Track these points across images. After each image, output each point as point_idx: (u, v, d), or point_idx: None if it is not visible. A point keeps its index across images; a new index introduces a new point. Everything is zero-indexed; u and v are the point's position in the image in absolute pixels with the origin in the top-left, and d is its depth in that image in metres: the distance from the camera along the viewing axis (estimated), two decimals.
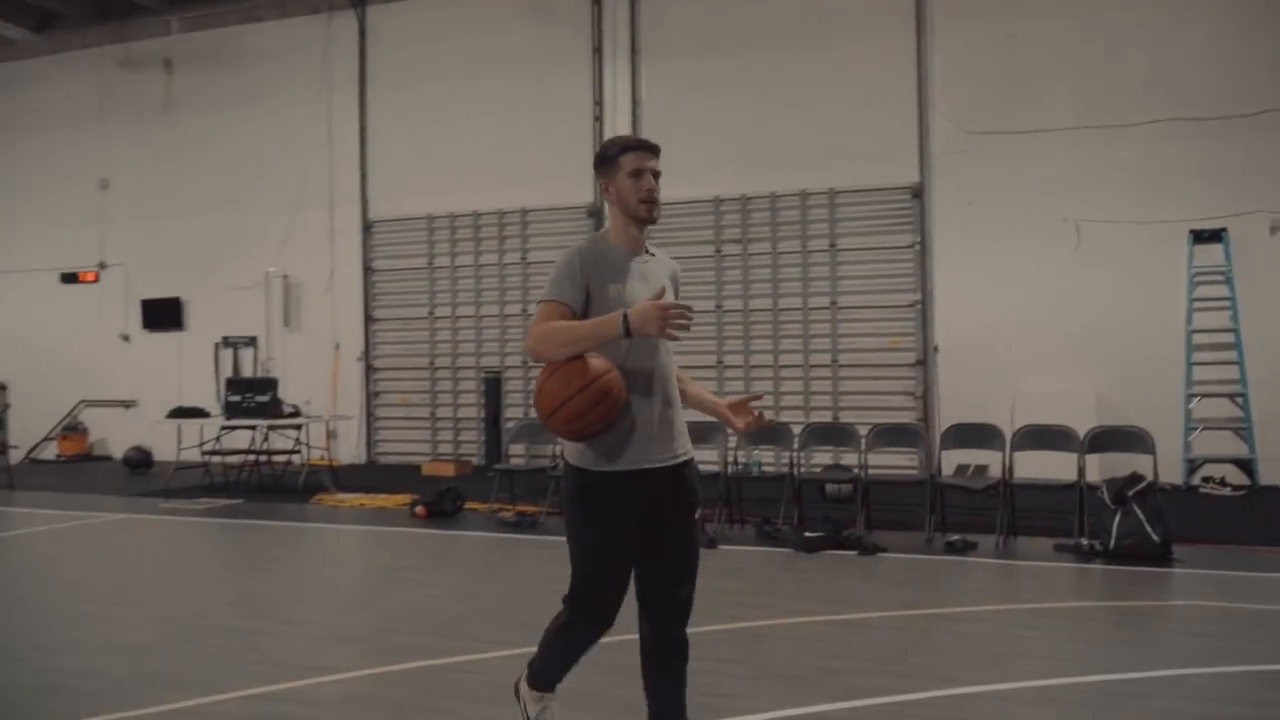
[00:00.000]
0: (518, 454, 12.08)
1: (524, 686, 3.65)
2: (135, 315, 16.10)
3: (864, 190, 12.33)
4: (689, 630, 3.46)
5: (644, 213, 3.34)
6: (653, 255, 3.45)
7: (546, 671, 3.59)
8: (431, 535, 8.84)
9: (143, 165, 16.09)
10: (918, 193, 12.11)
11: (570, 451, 3.35)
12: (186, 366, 15.68)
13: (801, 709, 4.24)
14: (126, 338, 16.24)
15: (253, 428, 11.97)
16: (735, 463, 9.21)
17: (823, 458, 11.35)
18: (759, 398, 3.51)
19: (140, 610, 6.09)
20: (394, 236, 14.72)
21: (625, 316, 3.13)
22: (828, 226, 12.51)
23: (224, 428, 12.12)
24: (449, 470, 13.10)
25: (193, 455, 12.50)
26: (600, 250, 3.33)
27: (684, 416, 3.43)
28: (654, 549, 3.35)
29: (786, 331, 12.67)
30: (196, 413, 12.43)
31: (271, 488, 11.83)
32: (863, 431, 9.06)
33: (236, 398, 11.63)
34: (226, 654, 5.14)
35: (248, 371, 15.17)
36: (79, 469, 15.03)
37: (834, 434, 9.54)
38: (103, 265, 16.40)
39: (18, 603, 6.37)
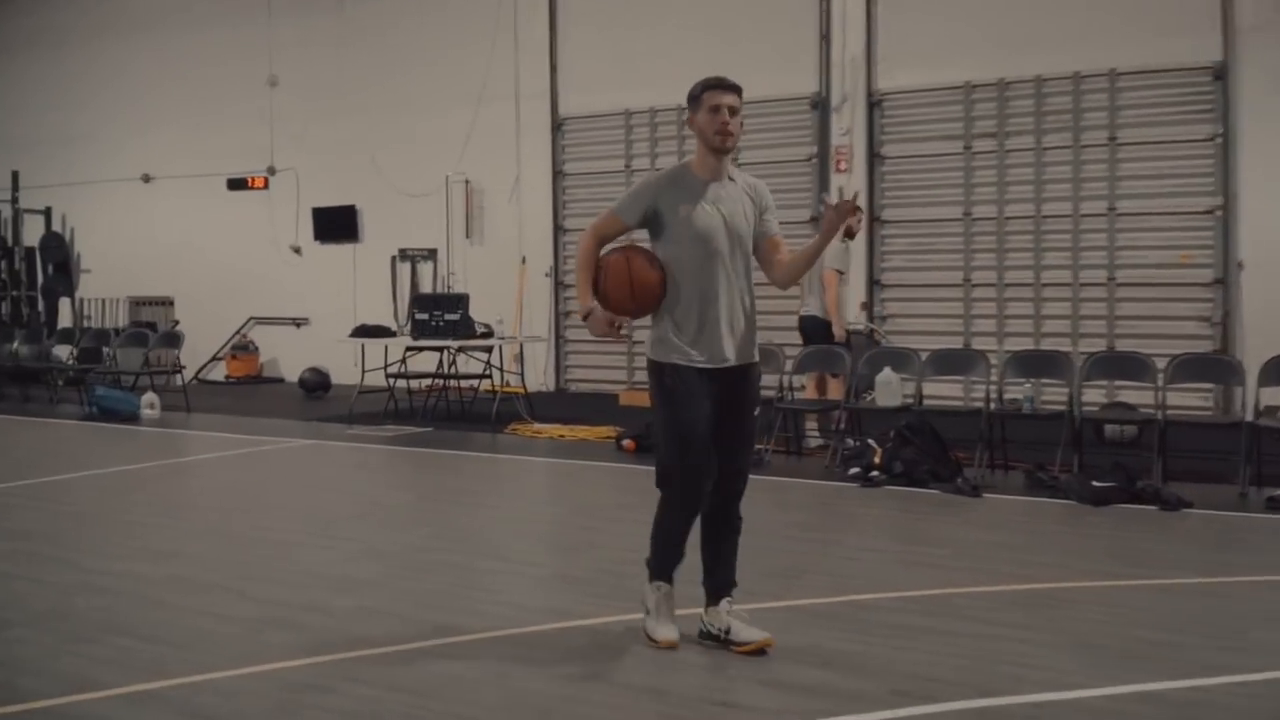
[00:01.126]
0: None
1: (645, 588, 4.59)
2: (306, 225, 16.82)
3: (1153, 71, 11.60)
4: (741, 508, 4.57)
5: (719, 143, 4.39)
6: (732, 180, 4.49)
7: (658, 562, 4.56)
8: (644, 472, 8.73)
9: (313, 61, 16.65)
10: (1220, 74, 11.30)
11: (649, 348, 4.53)
12: (361, 281, 16.30)
13: (1134, 686, 4.06)
14: (297, 250, 17.00)
15: (442, 349, 12.34)
16: (1000, 399, 8.92)
17: (1094, 394, 10.89)
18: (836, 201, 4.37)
19: (348, 542, 6.38)
20: (587, 135, 14.79)
21: (588, 311, 4.43)
22: (1106, 116, 11.85)
23: (410, 348, 12.55)
24: (649, 400, 13.18)
25: (373, 378, 13.00)
26: (679, 176, 4.47)
27: (754, 327, 4.52)
28: (721, 436, 4.41)
29: (1051, 243, 12.15)
30: (381, 332, 12.90)
31: (460, 415, 12.22)
32: (1154, 364, 8.63)
33: (424, 315, 11.99)
34: (453, 593, 5.32)
35: (426, 287, 15.66)
36: (251, 391, 15.92)
37: (1123, 365, 9.11)
38: (272, 170, 17.15)
39: (219, 531, 6.77)
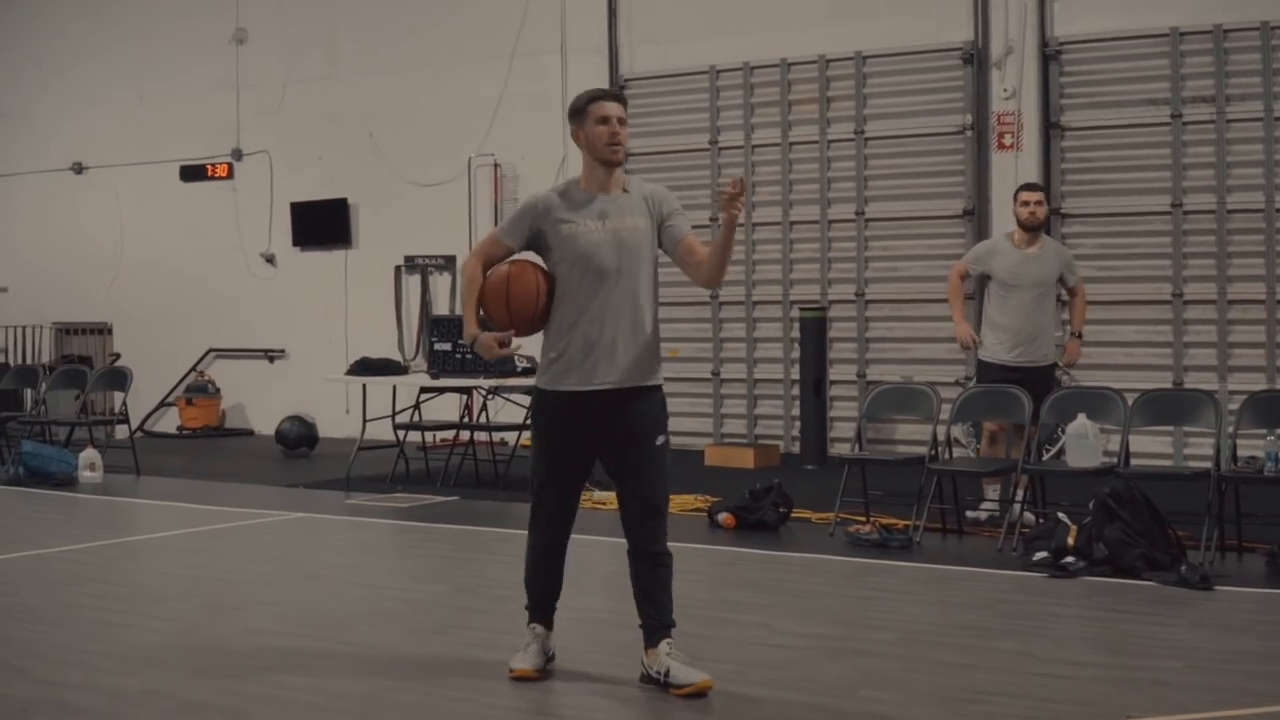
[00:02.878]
0: (845, 435, 12.13)
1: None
2: (283, 226, 17.14)
3: None
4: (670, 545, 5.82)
5: (611, 155, 5.67)
6: (625, 192, 5.74)
7: (529, 597, 5.97)
8: (753, 557, 8.99)
9: (292, 7, 17.01)
10: None
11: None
12: (355, 301, 16.56)
13: None
14: (270, 259, 17.30)
15: (469, 391, 12.48)
16: (1234, 459, 8.91)
17: None
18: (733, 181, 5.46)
19: (369, 650, 6.47)
20: (659, 101, 14.98)
21: (473, 340, 5.75)
22: None
23: (426, 390, 12.71)
24: (746, 459, 13.29)
25: (377, 430, 13.12)
26: (565, 192, 5.75)
27: (649, 348, 5.71)
28: (617, 467, 5.73)
29: None
30: (388, 368, 13.07)
31: (494, 480, 12.34)
32: None
33: (445, 345, 12.15)
34: (527, 716, 5.41)
35: (442, 307, 15.85)
36: (212, 447, 16.24)
37: None
38: (237, 155, 17.50)
39: (198, 632, 6.89)
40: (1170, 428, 11.11)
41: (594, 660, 6.38)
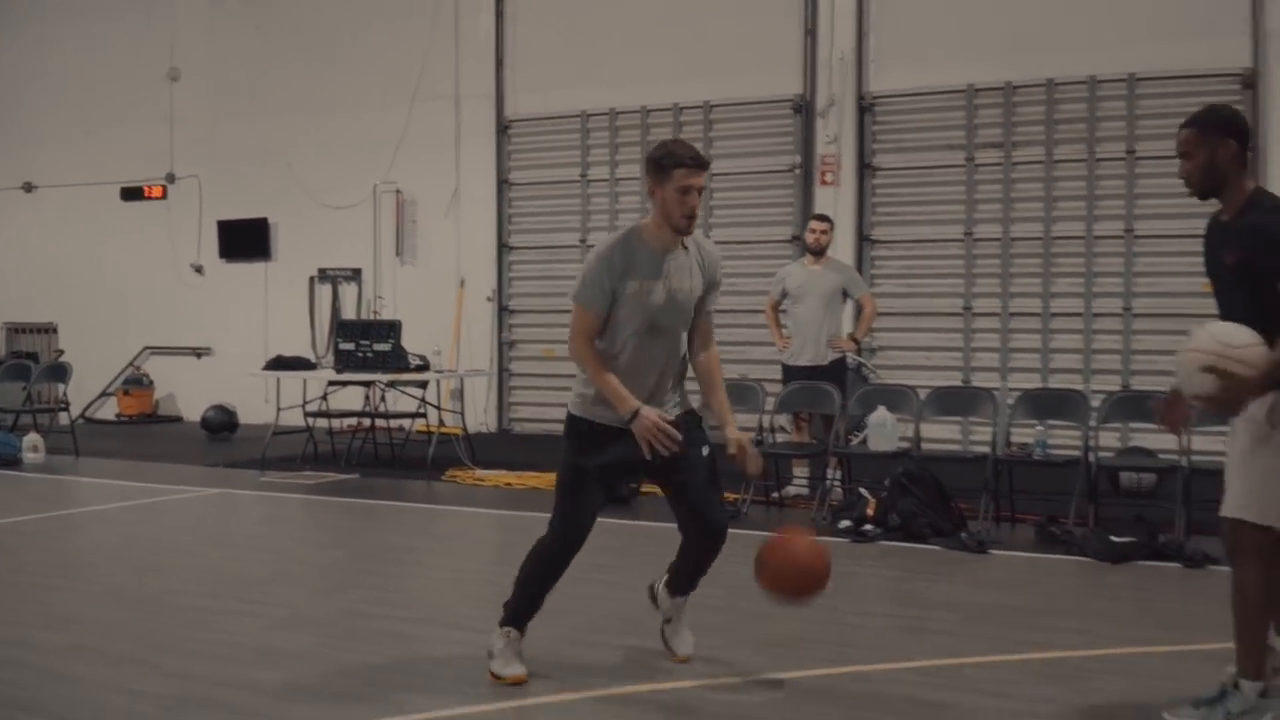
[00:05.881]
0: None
1: (494, 632, 5.23)
2: (211, 241, 16.86)
3: (1175, 77, 11.90)
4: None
5: (684, 225, 4.94)
6: (685, 249, 5.05)
7: (517, 607, 5.21)
8: (610, 526, 8.96)
9: (221, 51, 16.73)
10: (1249, 81, 11.64)
11: (571, 403, 5.15)
12: (274, 306, 16.33)
13: None
14: (199, 269, 17.03)
15: (369, 384, 12.39)
16: (1009, 444, 9.12)
17: (1109, 438, 11.09)
18: (743, 443, 5.04)
19: (270, 607, 6.42)
20: (538, 140, 14.95)
21: (633, 414, 4.89)
22: (1124, 125, 12.18)
23: (333, 383, 12.59)
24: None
25: (289, 417, 13.01)
26: (631, 248, 4.99)
27: (681, 383, 5.18)
28: (671, 486, 5.16)
29: (1062, 268, 12.49)
30: (300, 364, 12.95)
31: (390, 460, 12.27)
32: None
33: (349, 345, 12.04)
34: (397, 666, 5.38)
35: (349, 313, 15.73)
36: (145, 432, 15.91)
37: (1140, 406, 9.31)
38: (171, 178, 17.17)
39: (122, 594, 6.79)
40: (958, 418, 11.34)
41: (468, 615, 6.37)
